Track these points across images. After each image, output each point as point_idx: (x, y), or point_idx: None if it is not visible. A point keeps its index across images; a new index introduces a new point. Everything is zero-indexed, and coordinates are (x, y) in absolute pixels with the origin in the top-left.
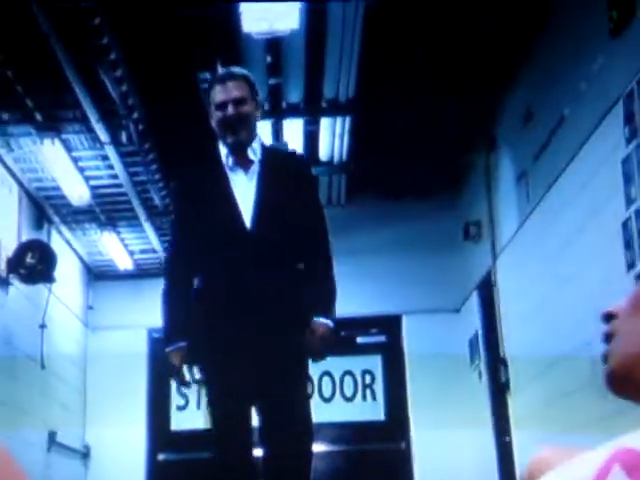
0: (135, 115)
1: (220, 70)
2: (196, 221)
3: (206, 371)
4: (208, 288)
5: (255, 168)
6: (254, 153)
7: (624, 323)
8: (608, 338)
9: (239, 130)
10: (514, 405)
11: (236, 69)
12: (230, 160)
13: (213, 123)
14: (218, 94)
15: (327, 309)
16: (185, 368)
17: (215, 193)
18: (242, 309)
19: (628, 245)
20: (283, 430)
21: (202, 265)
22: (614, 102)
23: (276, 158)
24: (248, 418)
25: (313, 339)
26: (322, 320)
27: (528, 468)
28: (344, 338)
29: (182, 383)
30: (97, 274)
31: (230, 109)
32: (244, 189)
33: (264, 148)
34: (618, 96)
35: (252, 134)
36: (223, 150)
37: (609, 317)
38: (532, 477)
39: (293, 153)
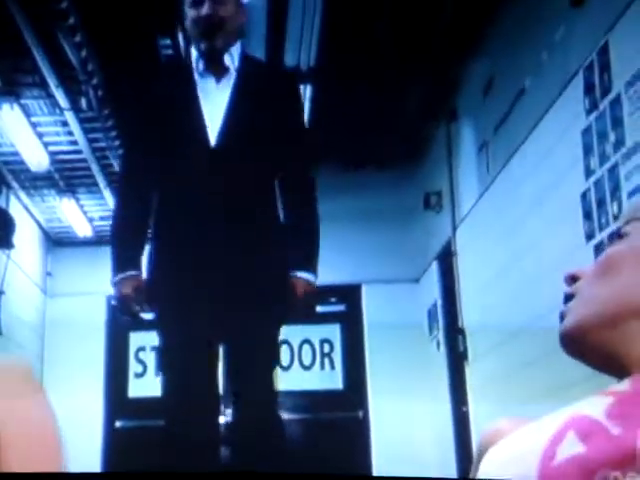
0: (95, 81)
1: None
2: (151, 131)
3: (162, 311)
4: (164, 215)
5: (230, 77)
6: (231, 60)
7: (586, 285)
8: (568, 298)
9: (215, 35)
10: (472, 375)
11: None
12: (200, 64)
13: (187, 23)
14: None
15: (308, 261)
16: (135, 299)
17: (177, 99)
18: (202, 242)
19: (587, 216)
20: (252, 381)
21: (159, 184)
22: (574, 73)
23: (258, 70)
24: (214, 365)
25: (294, 299)
26: (302, 275)
27: (482, 438)
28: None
29: (132, 315)
30: (56, 241)
31: (206, 7)
32: (213, 99)
33: (245, 56)
34: (578, 67)
35: (231, 41)
36: (194, 52)
37: (572, 279)
38: (485, 448)
39: (279, 67)
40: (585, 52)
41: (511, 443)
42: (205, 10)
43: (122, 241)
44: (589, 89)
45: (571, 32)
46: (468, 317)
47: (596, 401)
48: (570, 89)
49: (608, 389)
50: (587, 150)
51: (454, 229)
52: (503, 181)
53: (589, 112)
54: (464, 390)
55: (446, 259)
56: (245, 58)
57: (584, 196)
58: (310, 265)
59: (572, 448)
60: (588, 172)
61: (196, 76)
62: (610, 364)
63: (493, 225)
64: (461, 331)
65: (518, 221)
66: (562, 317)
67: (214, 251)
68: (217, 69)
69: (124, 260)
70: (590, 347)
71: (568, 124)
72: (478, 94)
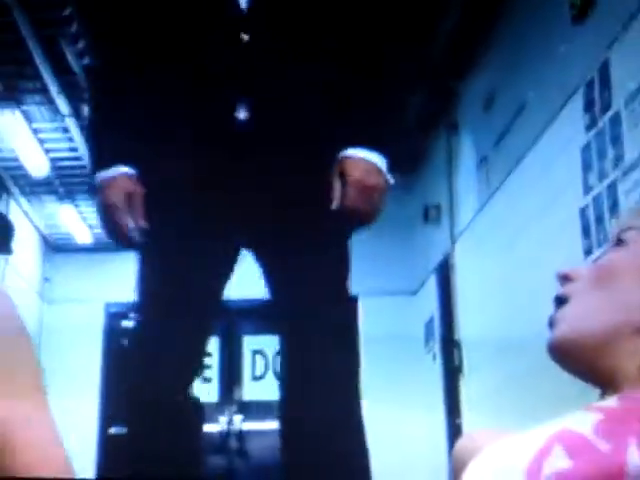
0: None
1: None
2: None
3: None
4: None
5: None
6: None
7: (581, 292)
8: (560, 301)
9: None
10: (467, 388)
11: None
12: None
13: None
14: None
15: (373, 133)
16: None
17: None
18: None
19: (586, 232)
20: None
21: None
22: (575, 89)
23: None
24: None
25: (344, 189)
26: (360, 153)
27: (456, 452)
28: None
29: (123, 239)
30: (55, 247)
31: None
32: None
33: None
34: (579, 83)
35: None
36: None
37: (565, 279)
38: (460, 460)
39: None
40: (586, 68)
41: (494, 458)
42: None
43: (104, 129)
44: (589, 105)
45: (572, 48)
46: (465, 330)
47: (583, 417)
48: (570, 105)
49: (594, 405)
50: (586, 166)
51: (453, 242)
52: (502, 195)
53: (589, 128)
54: (458, 403)
55: (444, 272)
56: None
57: (583, 212)
58: (377, 138)
59: (558, 463)
60: (587, 188)
61: None
62: (599, 377)
63: (492, 239)
64: (457, 344)
65: (517, 235)
66: (552, 323)
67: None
68: None
69: (110, 151)
70: (581, 359)
71: (568, 140)
72: (479, 108)
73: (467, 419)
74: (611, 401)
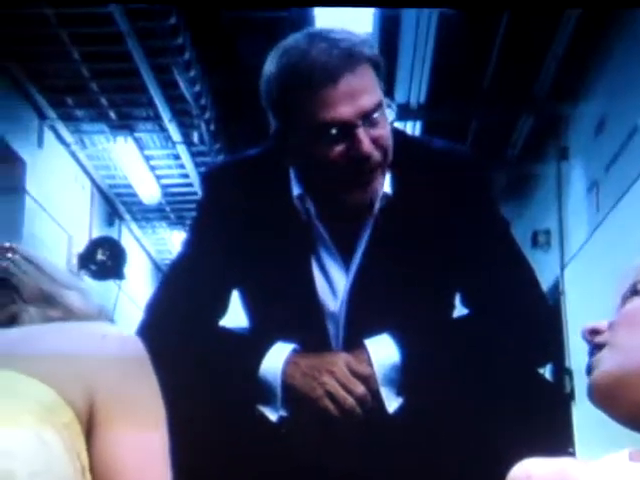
0: (207, 115)
1: (307, 36)
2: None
3: None
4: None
5: (365, 231)
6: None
7: (618, 336)
8: (595, 351)
9: (372, 180)
10: (579, 416)
11: (352, 38)
12: (322, 230)
13: (313, 170)
14: (326, 103)
15: None
16: None
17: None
18: None
19: None
20: None
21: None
22: None
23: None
24: None
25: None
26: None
27: None
28: None
29: None
30: None
31: (365, 142)
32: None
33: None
34: None
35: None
36: (308, 202)
37: (594, 333)
38: None
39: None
40: None
41: None
42: (365, 147)
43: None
44: None
45: None
46: (576, 357)
47: None
48: None
49: None
50: None
51: (562, 268)
52: (613, 221)
53: None
54: (571, 430)
55: (554, 298)
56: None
57: None
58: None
59: None
60: None
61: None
62: None
63: (602, 265)
64: (568, 371)
65: (628, 262)
66: (590, 369)
67: None
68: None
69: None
70: (627, 396)
71: None
72: (590, 133)
73: (579, 448)
74: None
